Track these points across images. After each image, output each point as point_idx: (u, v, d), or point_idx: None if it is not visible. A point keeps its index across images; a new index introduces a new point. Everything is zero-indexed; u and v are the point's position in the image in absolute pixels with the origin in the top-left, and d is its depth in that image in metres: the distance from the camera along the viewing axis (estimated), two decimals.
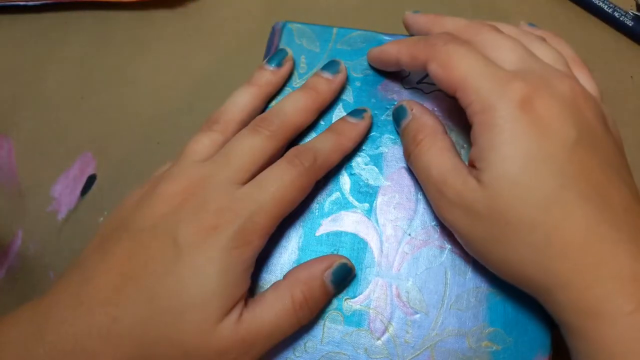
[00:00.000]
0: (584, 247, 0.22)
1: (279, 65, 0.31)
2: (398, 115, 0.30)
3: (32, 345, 0.23)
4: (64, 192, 0.34)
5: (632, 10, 0.37)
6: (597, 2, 0.37)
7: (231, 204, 0.25)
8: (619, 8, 0.37)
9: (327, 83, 0.30)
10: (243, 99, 0.30)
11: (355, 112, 0.30)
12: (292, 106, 0.29)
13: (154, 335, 0.23)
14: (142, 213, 0.26)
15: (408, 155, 0.28)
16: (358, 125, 0.29)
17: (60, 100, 0.37)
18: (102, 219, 0.34)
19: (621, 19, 0.37)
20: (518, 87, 0.23)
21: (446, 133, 0.28)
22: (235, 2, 0.40)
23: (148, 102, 0.37)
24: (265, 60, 0.31)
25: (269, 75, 0.31)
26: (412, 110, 0.29)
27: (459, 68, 0.25)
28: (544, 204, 0.22)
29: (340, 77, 0.30)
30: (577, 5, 0.38)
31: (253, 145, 0.27)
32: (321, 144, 0.28)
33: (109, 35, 0.39)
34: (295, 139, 0.30)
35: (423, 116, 0.29)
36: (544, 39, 0.28)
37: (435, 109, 0.31)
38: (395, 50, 0.28)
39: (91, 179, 0.35)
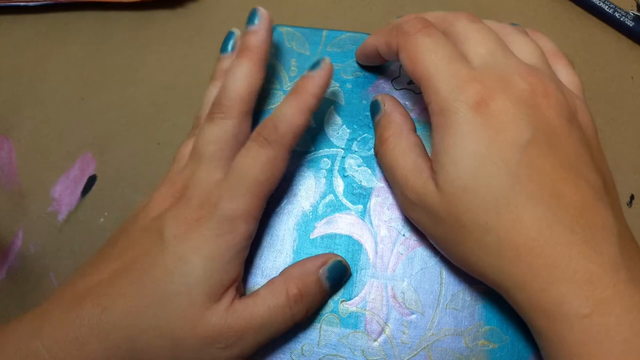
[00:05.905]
0: (536, 249, 0.21)
1: (234, 48, 0.31)
2: (372, 110, 0.30)
3: (32, 338, 0.24)
4: (65, 192, 0.35)
5: (633, 11, 0.37)
6: (597, 2, 0.37)
7: (210, 196, 0.25)
8: (620, 8, 0.37)
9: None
10: (213, 96, 0.30)
11: (314, 65, 0.29)
12: (238, 82, 0.29)
13: (142, 325, 0.24)
14: (138, 218, 0.27)
15: (376, 153, 0.28)
16: (316, 78, 0.28)
17: (60, 101, 0.37)
18: (102, 219, 0.34)
19: (622, 19, 0.36)
20: (474, 89, 0.23)
21: (414, 131, 0.28)
22: (235, 2, 0.40)
23: (148, 102, 0.37)
24: (220, 51, 0.32)
25: (228, 62, 0.31)
26: (384, 105, 0.29)
27: (423, 63, 0.24)
28: (495, 207, 0.22)
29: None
30: (577, 5, 0.38)
31: (214, 133, 0.27)
32: (281, 110, 0.27)
33: (109, 35, 0.39)
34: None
35: (393, 113, 0.28)
36: (525, 32, 0.28)
37: (426, 109, 0.31)
38: (374, 40, 0.28)
39: (91, 180, 0.35)
